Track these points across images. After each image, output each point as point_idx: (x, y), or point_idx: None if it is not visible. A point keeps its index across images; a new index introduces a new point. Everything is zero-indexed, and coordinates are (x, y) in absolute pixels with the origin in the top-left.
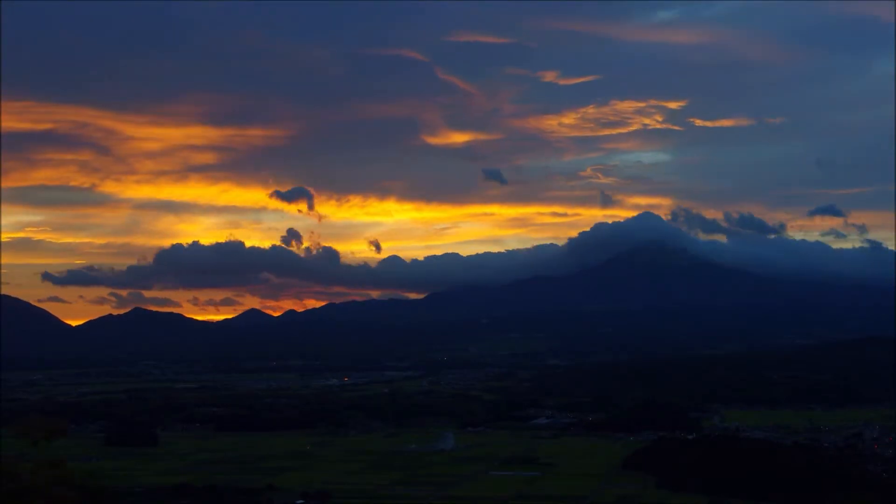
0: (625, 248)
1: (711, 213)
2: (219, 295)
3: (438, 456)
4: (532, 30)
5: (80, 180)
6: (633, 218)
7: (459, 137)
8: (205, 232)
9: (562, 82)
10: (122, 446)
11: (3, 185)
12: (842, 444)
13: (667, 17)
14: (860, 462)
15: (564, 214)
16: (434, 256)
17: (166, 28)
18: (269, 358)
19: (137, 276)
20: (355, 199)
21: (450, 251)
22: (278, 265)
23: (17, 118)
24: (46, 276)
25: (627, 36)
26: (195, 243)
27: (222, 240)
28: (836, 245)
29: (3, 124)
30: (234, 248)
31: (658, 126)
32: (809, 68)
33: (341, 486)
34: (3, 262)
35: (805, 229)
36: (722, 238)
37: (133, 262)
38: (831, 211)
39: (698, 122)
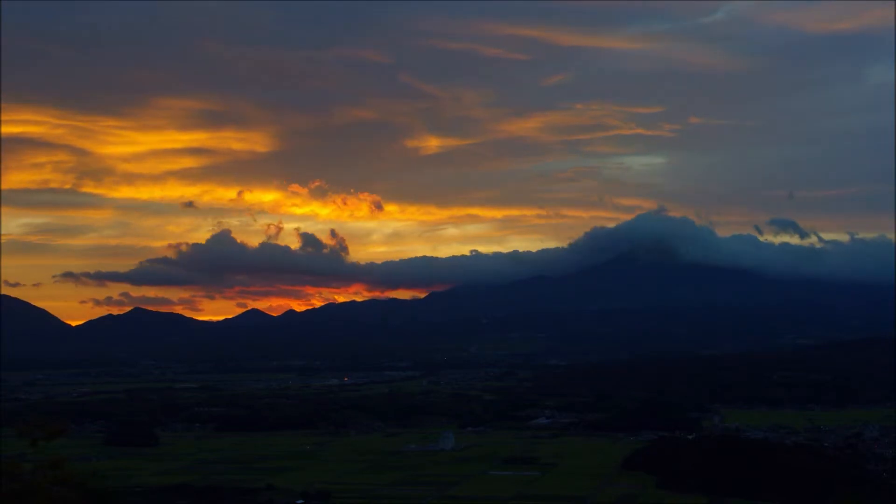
0: (624, 249)
1: (709, 215)
2: (218, 295)
3: (438, 456)
4: (501, 36)
5: (68, 183)
6: (633, 219)
7: (439, 141)
8: (202, 233)
9: (536, 87)
10: (122, 446)
11: None
12: (842, 444)
13: (650, 25)
14: (860, 462)
15: (555, 216)
16: (433, 257)
17: (140, 32)
18: (269, 358)
19: (137, 276)
20: (342, 201)
21: (447, 252)
22: (277, 265)
23: None
24: (46, 277)
25: (605, 43)
26: (193, 243)
27: (219, 240)
28: (837, 246)
29: None
30: (233, 248)
31: (639, 131)
32: (796, 76)
33: (341, 486)
34: (2, 262)
35: (804, 230)
36: (721, 238)
37: (132, 262)
38: (831, 212)
39: (679, 127)
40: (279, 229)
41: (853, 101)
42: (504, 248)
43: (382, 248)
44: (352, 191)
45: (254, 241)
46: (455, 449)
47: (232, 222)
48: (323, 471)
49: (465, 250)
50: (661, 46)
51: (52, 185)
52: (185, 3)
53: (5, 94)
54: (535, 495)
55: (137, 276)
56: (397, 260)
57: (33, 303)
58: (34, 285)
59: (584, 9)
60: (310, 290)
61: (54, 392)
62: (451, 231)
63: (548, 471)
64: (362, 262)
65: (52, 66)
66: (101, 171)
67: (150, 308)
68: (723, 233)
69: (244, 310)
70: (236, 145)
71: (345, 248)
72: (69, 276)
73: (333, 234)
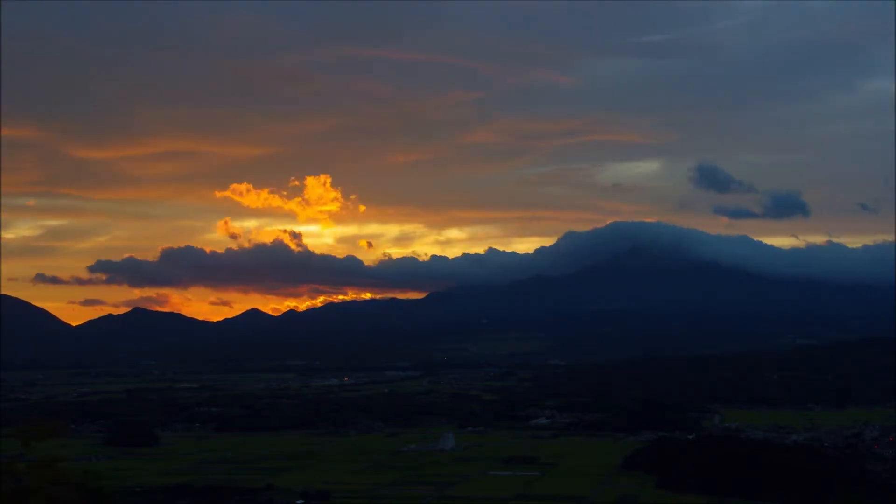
0: (625, 249)
1: (707, 217)
2: (218, 295)
3: (438, 456)
4: (479, 44)
5: (63, 186)
6: (631, 220)
7: (427, 146)
8: (201, 234)
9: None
10: (122, 446)
11: None
12: (842, 444)
13: (640, 33)
14: (860, 462)
15: (551, 218)
16: (433, 258)
17: (117, 40)
18: (269, 358)
19: (137, 277)
20: (337, 204)
21: (447, 252)
22: (277, 266)
23: None
24: (46, 277)
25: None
26: (193, 244)
27: (219, 241)
28: (836, 246)
29: None
30: (233, 249)
31: (631, 138)
32: (788, 83)
33: (341, 486)
34: (3, 263)
35: (804, 231)
36: (720, 239)
37: (132, 262)
38: (831, 214)
39: (670, 133)
40: (276, 231)
41: (849, 107)
42: (503, 249)
43: (382, 249)
44: (347, 194)
45: (252, 243)
46: (455, 449)
47: (232, 225)
48: (323, 471)
49: (464, 251)
50: (651, 54)
51: (47, 189)
52: (163, 11)
53: None
54: (535, 495)
55: (137, 277)
56: (397, 260)
57: (33, 303)
58: (34, 285)
59: (572, 15)
60: (309, 290)
61: (54, 392)
62: (451, 232)
63: (548, 471)
64: (361, 263)
65: (35, 71)
66: (94, 175)
67: (150, 308)
68: (722, 233)
69: (244, 310)
70: (228, 150)
71: (343, 250)
72: (69, 276)
73: (331, 235)
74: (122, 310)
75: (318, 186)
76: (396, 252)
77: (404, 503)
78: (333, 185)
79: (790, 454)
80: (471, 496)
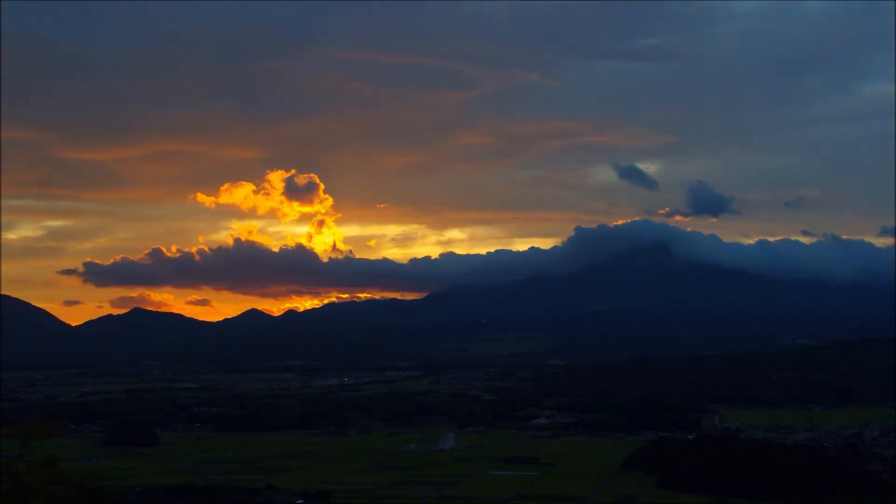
0: (625, 249)
1: (708, 218)
2: (218, 295)
3: (438, 456)
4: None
5: (64, 187)
6: (632, 220)
7: (425, 147)
8: (196, 235)
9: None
10: (122, 446)
11: None
12: (842, 444)
13: (637, 37)
14: (860, 462)
15: (550, 219)
16: (433, 257)
17: (113, 42)
18: (269, 358)
19: (137, 277)
20: (339, 204)
21: (446, 252)
22: (278, 266)
23: None
24: (46, 278)
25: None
26: (189, 245)
27: (220, 241)
28: (837, 247)
29: None
30: (233, 248)
31: (632, 140)
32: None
33: (341, 486)
34: (3, 263)
35: (805, 231)
36: (720, 240)
37: (132, 262)
38: (831, 213)
39: (665, 134)
40: (275, 232)
41: (846, 110)
42: (503, 249)
43: (382, 250)
44: (343, 196)
45: (253, 244)
46: (455, 449)
47: (234, 225)
48: (323, 471)
49: (464, 251)
50: (647, 57)
51: (42, 190)
52: (159, 14)
53: None
54: (535, 495)
55: (138, 277)
56: (397, 261)
57: (33, 303)
58: (35, 285)
59: (566, 17)
60: (309, 290)
61: (54, 392)
62: (451, 232)
63: (548, 471)
64: (362, 263)
65: (28, 73)
66: (88, 176)
67: (149, 308)
68: (722, 235)
69: (244, 310)
70: (221, 152)
71: (344, 250)
72: (69, 276)
73: (331, 235)
74: (122, 310)
75: (317, 189)
76: (397, 252)
77: (404, 503)
78: (328, 187)
79: (790, 454)
80: (471, 496)
